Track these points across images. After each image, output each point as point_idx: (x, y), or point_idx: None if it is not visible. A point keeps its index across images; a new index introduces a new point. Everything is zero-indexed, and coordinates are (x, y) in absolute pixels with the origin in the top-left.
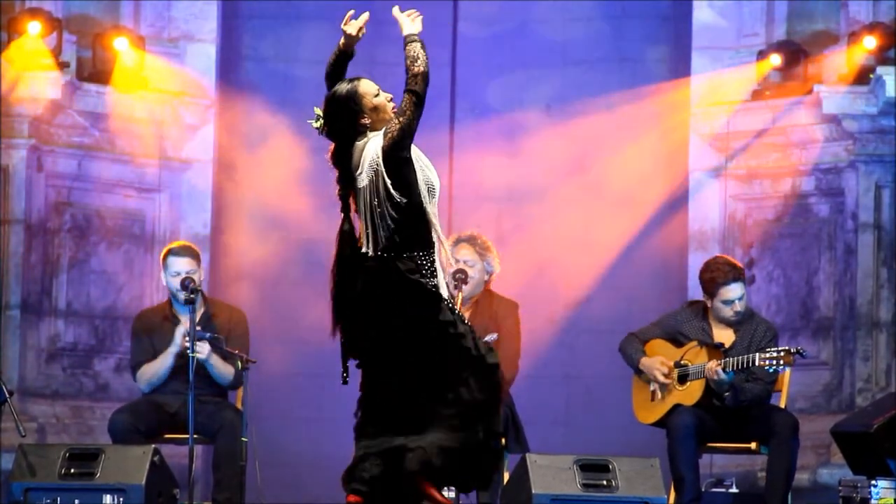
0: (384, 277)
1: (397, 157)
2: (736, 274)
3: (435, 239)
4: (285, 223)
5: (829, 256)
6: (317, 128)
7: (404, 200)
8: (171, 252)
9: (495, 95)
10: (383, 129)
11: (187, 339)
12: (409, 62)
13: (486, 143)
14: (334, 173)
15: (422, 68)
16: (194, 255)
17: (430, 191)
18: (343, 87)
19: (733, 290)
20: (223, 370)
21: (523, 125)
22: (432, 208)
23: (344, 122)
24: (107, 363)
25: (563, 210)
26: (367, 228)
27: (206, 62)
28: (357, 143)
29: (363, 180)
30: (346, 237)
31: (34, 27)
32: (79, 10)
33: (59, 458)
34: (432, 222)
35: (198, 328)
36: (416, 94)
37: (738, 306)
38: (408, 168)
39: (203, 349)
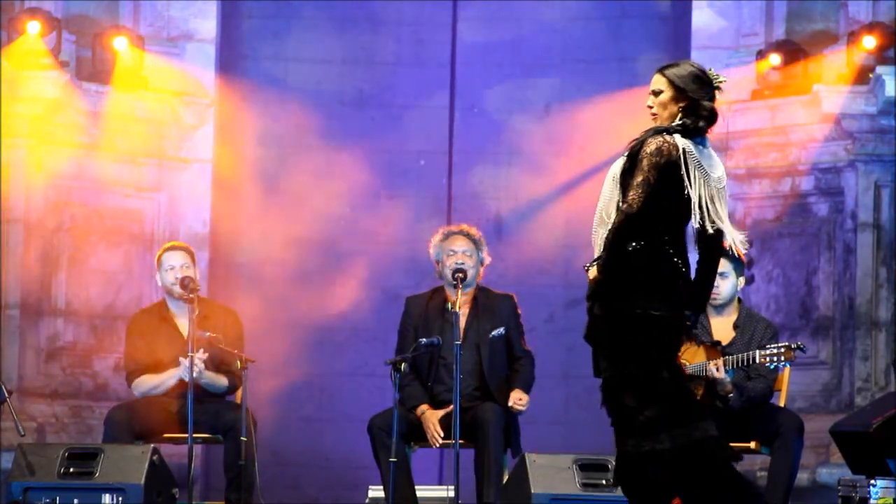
0: None
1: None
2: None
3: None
4: (285, 222)
5: (829, 256)
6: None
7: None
8: (165, 249)
9: (494, 95)
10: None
11: (193, 369)
12: None
13: (485, 142)
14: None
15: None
16: (189, 253)
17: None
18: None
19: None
20: (217, 382)
21: (522, 125)
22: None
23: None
24: (106, 363)
25: (562, 209)
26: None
27: (206, 61)
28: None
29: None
30: None
31: (34, 27)
32: (78, 10)
33: (59, 458)
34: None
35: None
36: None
37: (720, 284)
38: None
39: (196, 366)
